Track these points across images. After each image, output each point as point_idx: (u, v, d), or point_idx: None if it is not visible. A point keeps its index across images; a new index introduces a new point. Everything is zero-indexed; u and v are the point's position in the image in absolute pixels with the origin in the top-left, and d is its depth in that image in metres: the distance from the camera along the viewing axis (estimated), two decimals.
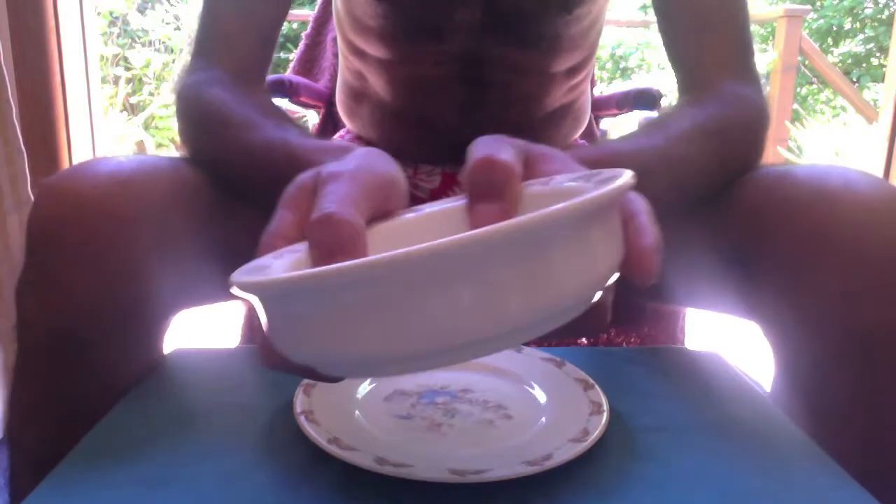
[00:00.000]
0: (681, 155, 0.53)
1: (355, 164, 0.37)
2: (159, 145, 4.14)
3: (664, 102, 1.10)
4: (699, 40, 0.63)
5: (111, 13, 4.37)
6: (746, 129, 0.59)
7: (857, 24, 7.17)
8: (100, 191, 0.49)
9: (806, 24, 5.83)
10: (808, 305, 0.48)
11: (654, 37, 6.45)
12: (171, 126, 4.22)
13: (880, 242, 0.46)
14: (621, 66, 6.73)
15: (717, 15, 0.62)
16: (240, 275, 0.28)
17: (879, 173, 2.15)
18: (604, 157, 0.49)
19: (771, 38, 4.61)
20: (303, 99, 1.01)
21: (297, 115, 1.05)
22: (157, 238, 0.50)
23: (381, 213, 0.38)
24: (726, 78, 0.61)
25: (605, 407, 0.44)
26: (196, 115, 0.59)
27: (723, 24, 0.62)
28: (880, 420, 0.48)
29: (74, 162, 1.70)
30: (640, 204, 0.34)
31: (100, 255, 0.48)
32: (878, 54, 6.95)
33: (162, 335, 0.55)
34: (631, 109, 1.09)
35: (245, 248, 0.53)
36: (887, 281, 0.46)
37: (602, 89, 3.97)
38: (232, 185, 0.56)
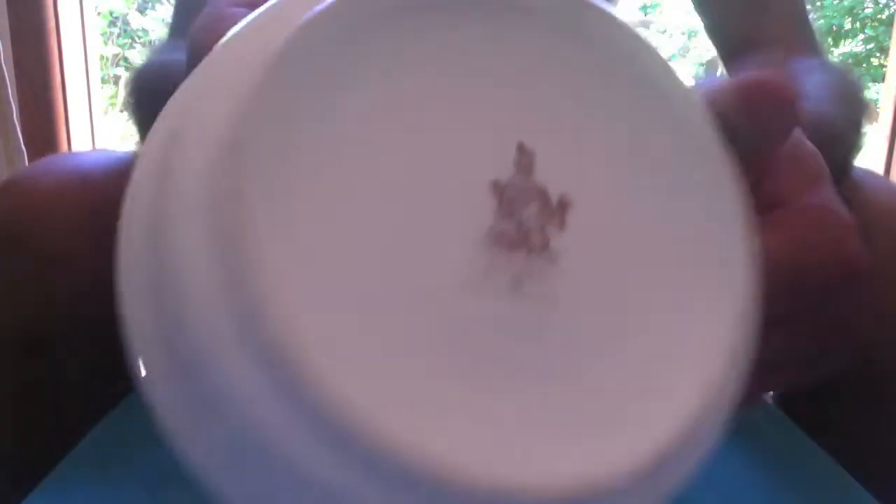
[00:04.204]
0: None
1: None
2: None
3: None
4: (757, 16, 0.57)
5: (111, 13, 4.37)
6: (853, 112, 0.51)
7: (857, 24, 7.17)
8: (62, 186, 0.49)
9: None
10: None
11: (654, 37, 6.45)
12: None
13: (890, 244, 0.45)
14: None
15: None
16: None
17: (879, 173, 2.15)
18: None
19: None
20: None
21: None
22: None
23: None
24: (796, 55, 0.54)
25: None
26: (138, 87, 0.54)
27: (779, 3, 0.57)
28: (889, 418, 0.47)
29: None
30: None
31: (65, 253, 0.48)
32: (878, 54, 6.94)
33: None
34: None
35: None
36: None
37: None
38: None
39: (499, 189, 0.15)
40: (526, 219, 0.16)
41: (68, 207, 0.48)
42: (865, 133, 0.51)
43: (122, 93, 4.23)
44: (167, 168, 0.15)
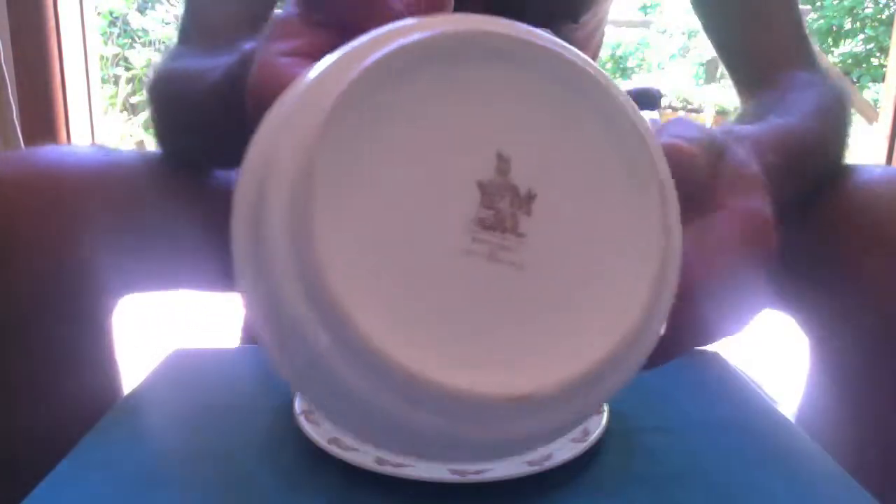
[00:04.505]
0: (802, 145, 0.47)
1: None
2: None
3: (664, 102, 1.11)
4: (756, 33, 0.60)
5: (111, 13, 4.37)
6: (839, 112, 0.54)
7: (857, 24, 7.17)
8: (31, 179, 0.50)
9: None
10: (849, 293, 0.49)
11: (654, 37, 6.45)
12: None
13: None
14: (621, 66, 6.73)
15: (770, 3, 0.60)
16: None
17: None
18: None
19: None
20: None
21: None
22: (88, 224, 0.51)
23: None
24: (793, 69, 0.58)
25: (605, 407, 0.44)
26: (164, 92, 0.55)
27: (777, 13, 0.60)
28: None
29: None
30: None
31: (30, 241, 0.49)
32: (878, 54, 6.95)
33: (103, 317, 0.56)
34: None
35: (186, 235, 0.52)
36: None
37: None
38: (221, 147, 0.51)
39: (482, 187, 0.22)
40: (501, 208, 0.22)
41: (36, 198, 0.49)
42: (848, 145, 0.54)
43: (122, 93, 4.23)
44: (262, 188, 0.21)
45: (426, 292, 0.21)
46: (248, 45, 0.38)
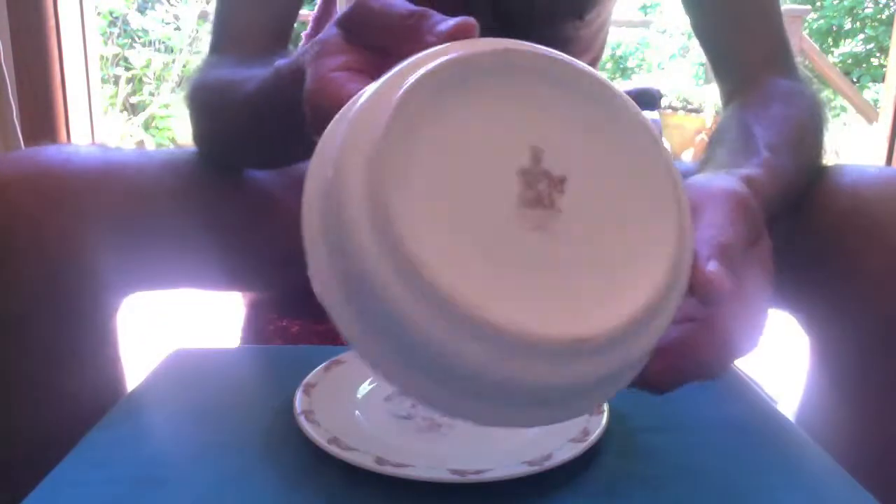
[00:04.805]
0: (784, 167, 0.49)
1: None
2: (159, 145, 4.14)
3: (664, 102, 1.11)
4: (741, 37, 0.62)
5: (111, 13, 4.37)
6: (817, 129, 0.57)
7: (857, 24, 7.17)
8: (31, 180, 0.51)
9: (806, 24, 5.82)
10: (850, 294, 0.49)
11: (654, 37, 6.44)
12: (170, 126, 4.22)
13: None
14: (621, 66, 6.73)
15: (754, 10, 0.62)
16: None
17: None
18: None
19: None
20: None
21: None
22: (92, 224, 0.51)
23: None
24: (773, 74, 0.60)
25: (605, 407, 0.44)
26: (200, 100, 0.58)
27: (761, 19, 0.62)
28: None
29: None
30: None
31: (29, 240, 0.49)
32: (878, 54, 6.95)
33: (106, 317, 0.56)
34: None
35: (190, 235, 0.54)
36: None
37: None
38: (253, 153, 0.56)
39: (522, 173, 0.27)
40: (540, 189, 0.27)
41: (41, 199, 0.50)
42: (825, 152, 0.57)
43: (122, 93, 4.23)
44: (337, 175, 0.25)
45: (490, 259, 0.25)
46: (281, 62, 0.43)
